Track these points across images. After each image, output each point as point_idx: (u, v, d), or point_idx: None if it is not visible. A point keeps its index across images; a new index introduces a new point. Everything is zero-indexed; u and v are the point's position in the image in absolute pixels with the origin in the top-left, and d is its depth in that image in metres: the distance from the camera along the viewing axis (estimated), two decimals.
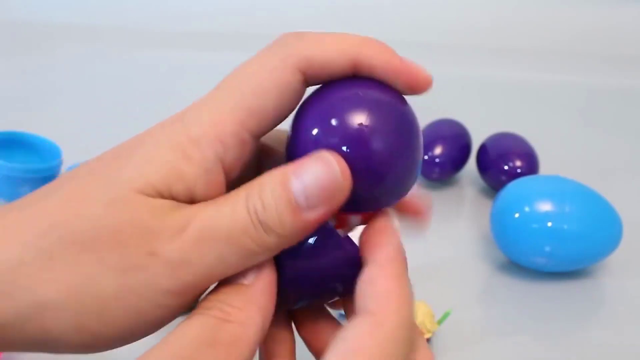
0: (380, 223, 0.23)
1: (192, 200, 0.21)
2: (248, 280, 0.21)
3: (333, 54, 0.22)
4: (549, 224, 0.46)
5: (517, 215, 0.47)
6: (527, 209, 0.47)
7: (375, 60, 0.22)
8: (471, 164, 0.63)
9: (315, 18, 1.14)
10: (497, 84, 0.92)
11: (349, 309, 0.25)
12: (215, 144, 0.20)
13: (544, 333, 0.44)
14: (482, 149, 0.62)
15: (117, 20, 1.15)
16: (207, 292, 0.21)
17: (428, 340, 0.41)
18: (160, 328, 0.21)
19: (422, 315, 0.40)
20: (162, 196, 0.20)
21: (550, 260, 0.47)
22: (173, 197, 0.20)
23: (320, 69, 0.22)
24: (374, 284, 0.21)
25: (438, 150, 0.60)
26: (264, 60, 0.22)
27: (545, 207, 0.47)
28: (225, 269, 0.20)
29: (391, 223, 0.23)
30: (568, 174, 0.51)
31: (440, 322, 0.42)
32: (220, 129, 0.21)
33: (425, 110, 0.73)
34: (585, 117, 0.82)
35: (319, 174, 0.20)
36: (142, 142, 0.21)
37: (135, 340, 0.21)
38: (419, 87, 0.22)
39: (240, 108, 0.21)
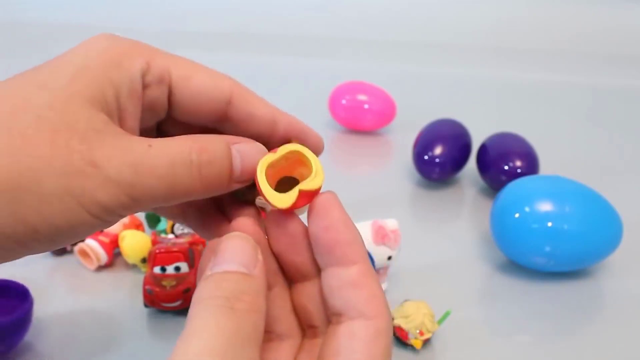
0: (330, 215, 0.23)
1: (119, 113, 0.22)
2: (254, 271, 0.21)
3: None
4: (549, 224, 0.46)
5: (517, 215, 0.47)
6: (527, 209, 0.47)
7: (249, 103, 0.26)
8: (471, 164, 0.63)
9: (315, 19, 1.14)
10: (497, 84, 0.92)
11: None
12: (140, 60, 0.23)
13: (544, 333, 0.44)
14: (482, 149, 0.62)
15: (116, 20, 1.15)
16: (209, 274, 0.21)
17: (428, 340, 0.41)
18: (85, 236, 0.22)
19: (422, 315, 0.40)
20: (99, 103, 0.21)
21: (550, 260, 0.47)
22: (107, 103, 0.22)
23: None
24: (360, 287, 0.22)
25: (438, 150, 0.60)
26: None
27: (545, 207, 0.47)
28: (155, 201, 0.22)
29: (340, 211, 0.23)
30: (568, 174, 0.51)
31: (440, 322, 0.42)
32: (146, 50, 0.24)
33: (425, 110, 0.73)
34: (586, 117, 0.82)
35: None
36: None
37: (67, 244, 0.22)
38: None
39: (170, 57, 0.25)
